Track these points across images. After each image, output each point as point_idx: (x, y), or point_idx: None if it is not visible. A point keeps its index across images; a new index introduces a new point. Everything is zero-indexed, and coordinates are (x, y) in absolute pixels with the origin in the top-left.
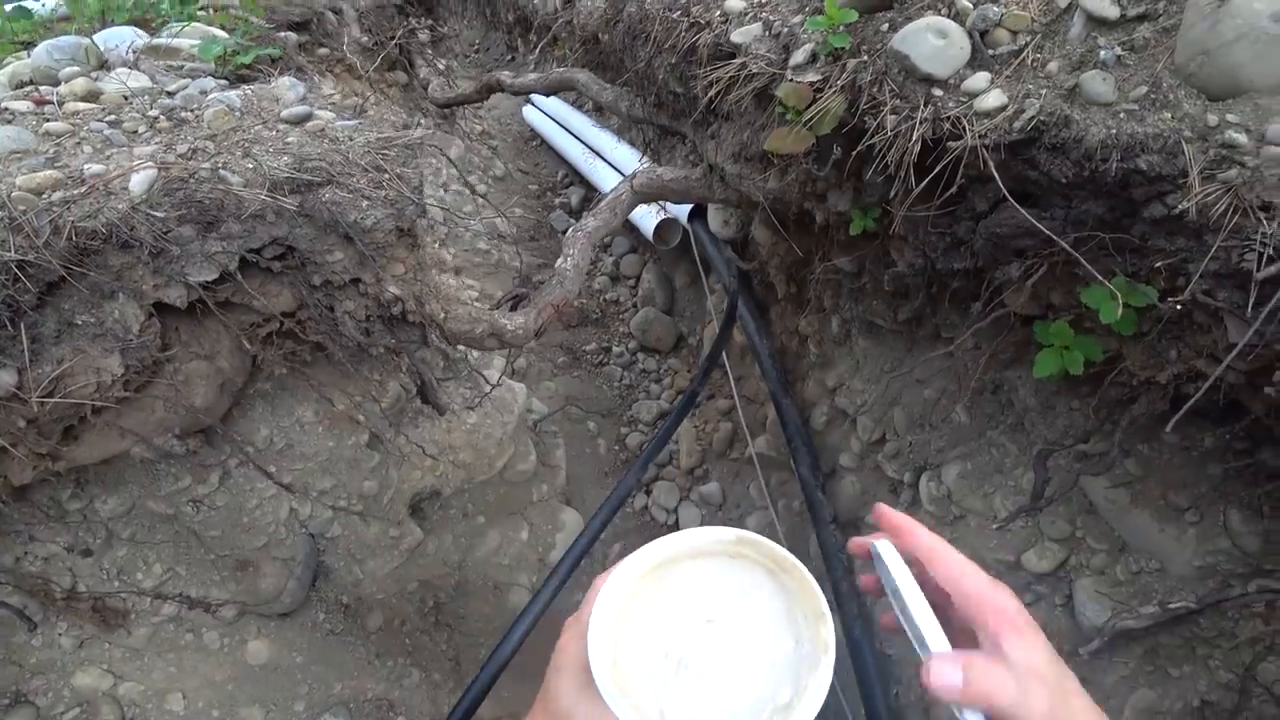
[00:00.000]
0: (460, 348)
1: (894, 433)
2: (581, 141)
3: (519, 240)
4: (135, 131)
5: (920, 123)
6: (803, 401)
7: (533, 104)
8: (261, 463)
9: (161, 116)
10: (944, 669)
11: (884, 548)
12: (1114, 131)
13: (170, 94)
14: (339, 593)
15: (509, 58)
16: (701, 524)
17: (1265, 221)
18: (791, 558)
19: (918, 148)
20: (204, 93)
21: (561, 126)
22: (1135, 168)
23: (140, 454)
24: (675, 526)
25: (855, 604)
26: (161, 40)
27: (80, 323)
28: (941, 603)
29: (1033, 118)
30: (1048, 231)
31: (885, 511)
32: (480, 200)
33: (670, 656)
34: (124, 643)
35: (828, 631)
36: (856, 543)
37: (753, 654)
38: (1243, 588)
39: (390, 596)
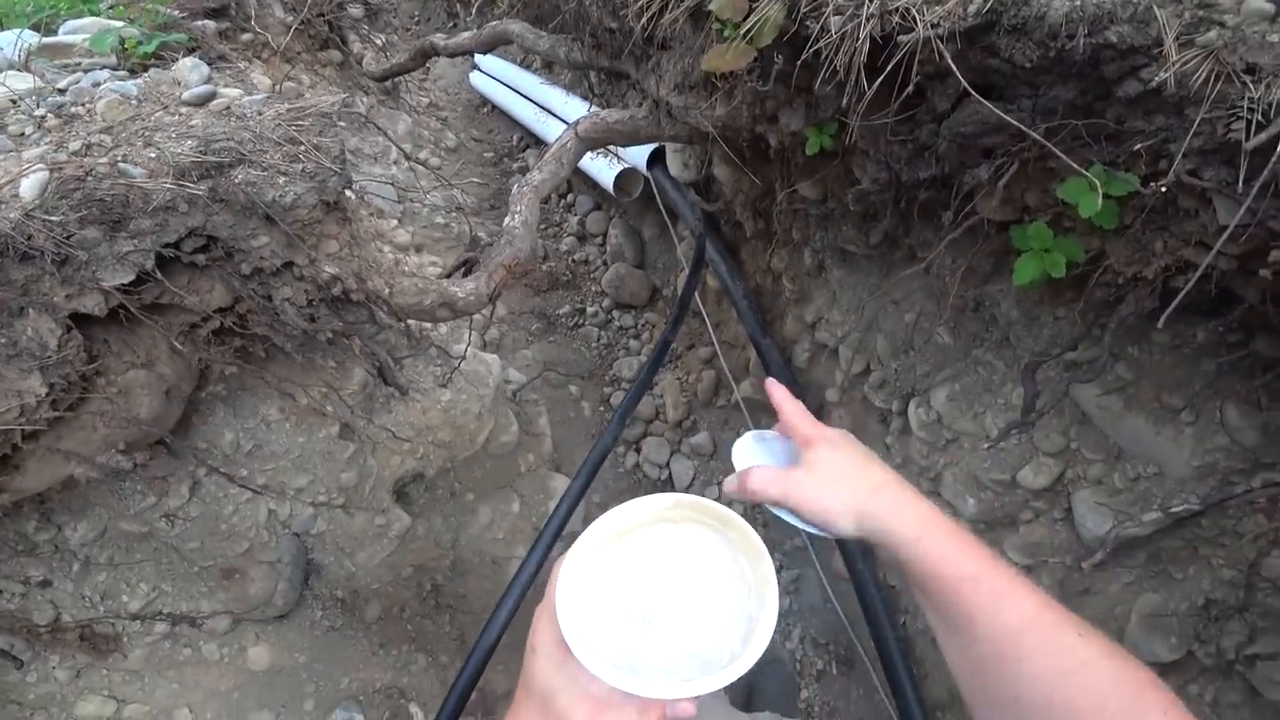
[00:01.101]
0: (424, 325)
1: (878, 362)
2: (532, 101)
3: (478, 210)
4: (22, 134)
5: (867, 20)
6: (783, 340)
7: (480, 69)
8: (230, 468)
9: (49, 115)
10: (729, 481)
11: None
12: (1078, 4)
13: (61, 90)
14: (333, 588)
15: (450, 24)
16: (694, 476)
17: (1251, 85)
18: (728, 511)
19: (867, 47)
20: (96, 85)
21: (511, 89)
22: (1105, 41)
23: (86, 475)
24: (668, 481)
25: (853, 542)
26: (55, 38)
27: None
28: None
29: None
30: (1016, 123)
31: (770, 384)
32: (434, 174)
33: (635, 617)
34: (122, 666)
35: (767, 567)
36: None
37: (708, 602)
38: (1246, 484)
39: (386, 585)
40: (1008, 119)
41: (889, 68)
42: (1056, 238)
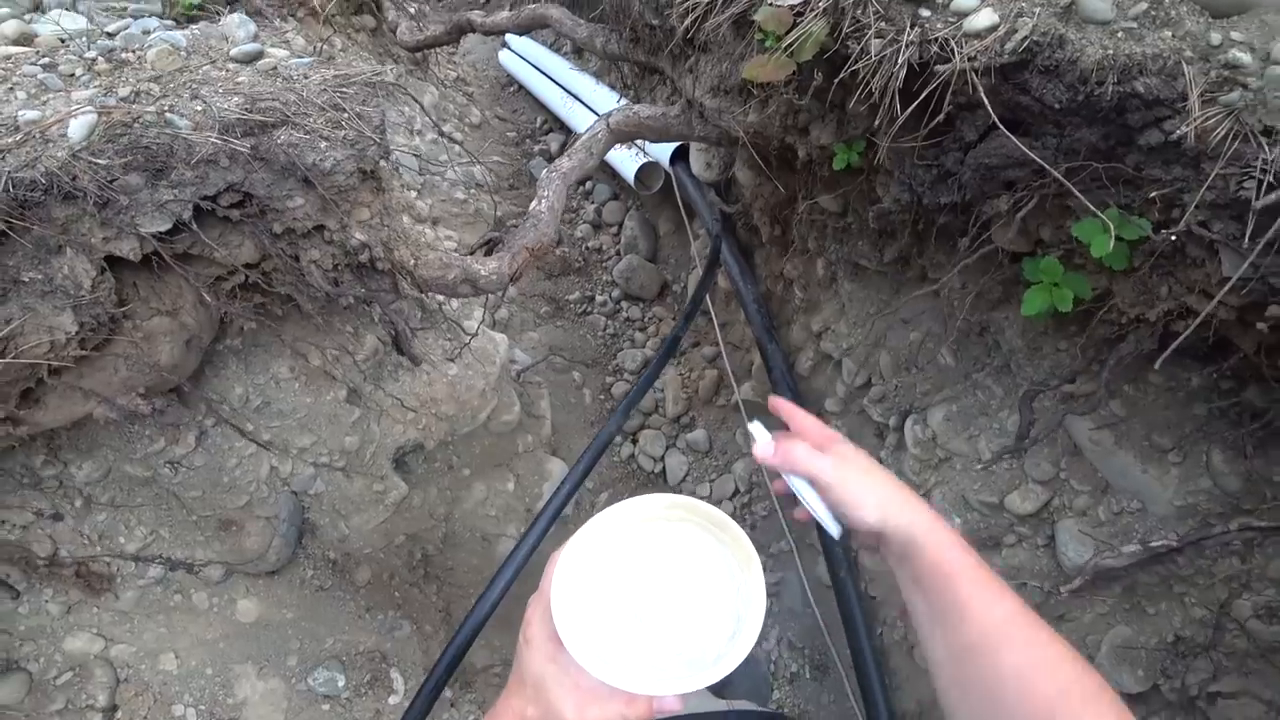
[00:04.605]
0: (438, 298)
1: (879, 376)
2: (560, 85)
3: (497, 189)
4: (72, 74)
5: (906, 46)
6: (788, 346)
7: (509, 48)
8: (238, 421)
9: (100, 58)
10: (761, 445)
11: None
12: (1110, 52)
13: (110, 35)
14: (326, 549)
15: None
16: (688, 472)
17: (1267, 147)
18: (721, 514)
19: (903, 73)
20: (146, 33)
21: (539, 70)
22: (1132, 91)
23: (104, 415)
24: (662, 474)
25: (840, 546)
26: None
27: (27, 280)
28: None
29: (1025, 38)
30: (1039, 160)
31: (775, 400)
32: (456, 149)
33: (628, 613)
34: (112, 606)
35: (756, 571)
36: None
37: (698, 601)
38: (1224, 526)
39: (378, 551)
40: (1032, 155)
41: (923, 95)
42: (1066, 273)
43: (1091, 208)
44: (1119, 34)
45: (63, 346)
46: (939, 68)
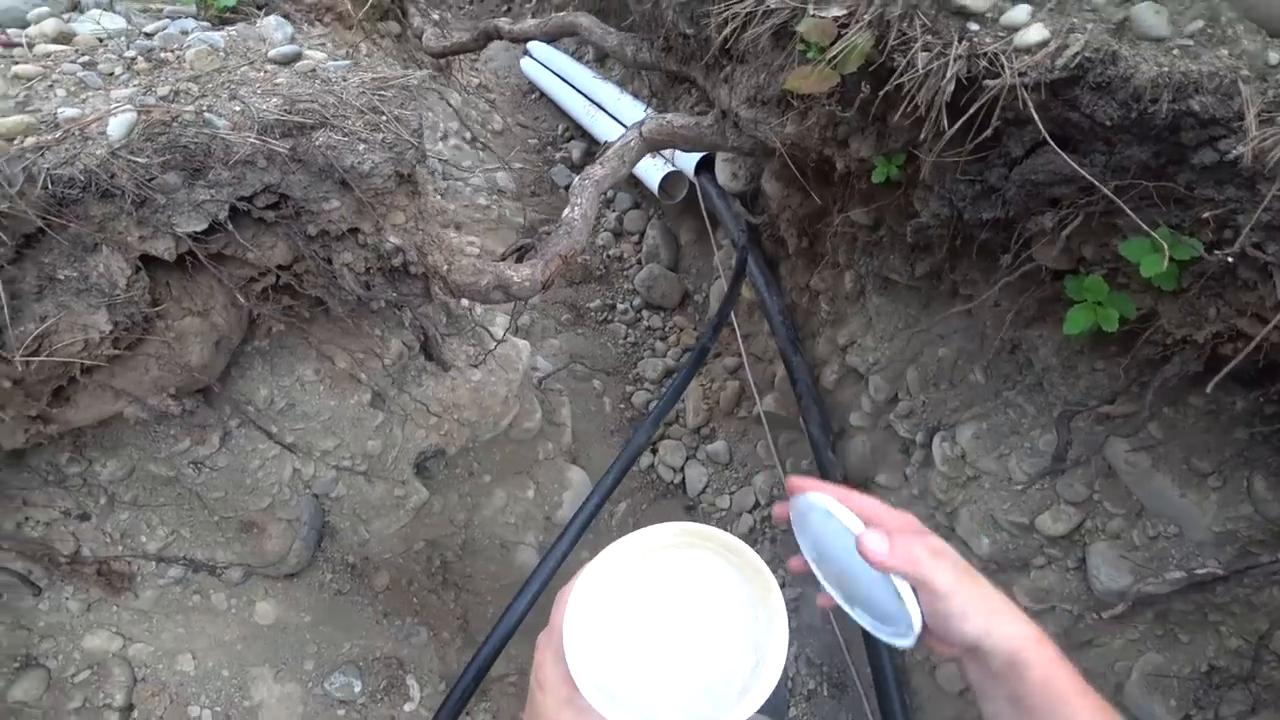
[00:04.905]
0: (464, 303)
1: (907, 392)
2: (582, 94)
3: (520, 195)
4: (112, 73)
5: (954, 60)
6: (813, 359)
7: (531, 56)
8: (263, 423)
9: (139, 58)
10: (874, 538)
11: (812, 497)
12: (1165, 69)
13: (148, 35)
14: (345, 553)
15: (504, 7)
16: (708, 483)
17: None
18: (736, 540)
19: (950, 87)
20: (184, 33)
21: (561, 79)
22: (1187, 109)
23: (135, 415)
24: (682, 485)
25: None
26: None
27: (62, 277)
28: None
29: (1077, 54)
30: (1089, 178)
31: (794, 479)
32: (480, 154)
33: (644, 650)
34: (132, 605)
35: (776, 599)
36: (779, 510)
37: (716, 631)
38: (1271, 555)
39: (397, 556)
40: (1082, 172)
41: (969, 110)
42: (1111, 292)
43: (1145, 226)
44: (1174, 51)
45: (96, 345)
46: (988, 82)
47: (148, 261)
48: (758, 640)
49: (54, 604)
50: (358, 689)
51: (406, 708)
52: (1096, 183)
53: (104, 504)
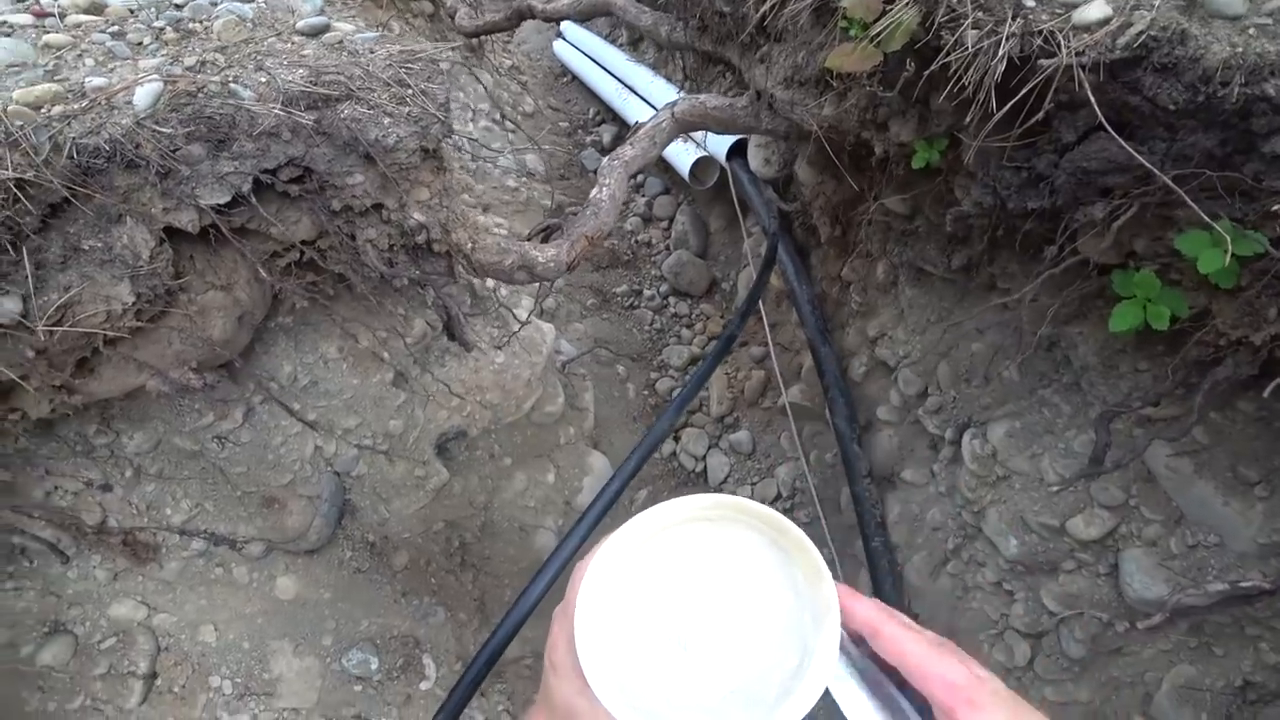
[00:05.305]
0: (489, 284)
1: (937, 387)
2: (615, 77)
3: (549, 178)
4: (140, 43)
5: (1006, 38)
6: (841, 350)
7: (563, 38)
8: (285, 399)
9: (168, 28)
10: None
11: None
12: (1239, 50)
13: (178, 6)
14: (365, 531)
15: None
16: (730, 473)
17: None
18: (780, 516)
19: (1001, 67)
20: (214, 3)
21: (594, 61)
22: (1260, 94)
23: (156, 388)
24: (704, 474)
25: (886, 560)
26: None
27: (87, 248)
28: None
29: (1141, 33)
30: (1148, 165)
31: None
32: (509, 136)
33: (667, 639)
34: (156, 576)
35: (828, 590)
36: None
37: (753, 621)
38: None
39: (416, 536)
40: (1140, 159)
41: (1020, 92)
42: (1162, 289)
43: (1207, 219)
44: (1250, 31)
45: (119, 317)
46: (1042, 62)
47: (171, 234)
48: (803, 635)
49: (82, 572)
50: (374, 666)
51: (423, 686)
52: (1156, 171)
53: (130, 476)
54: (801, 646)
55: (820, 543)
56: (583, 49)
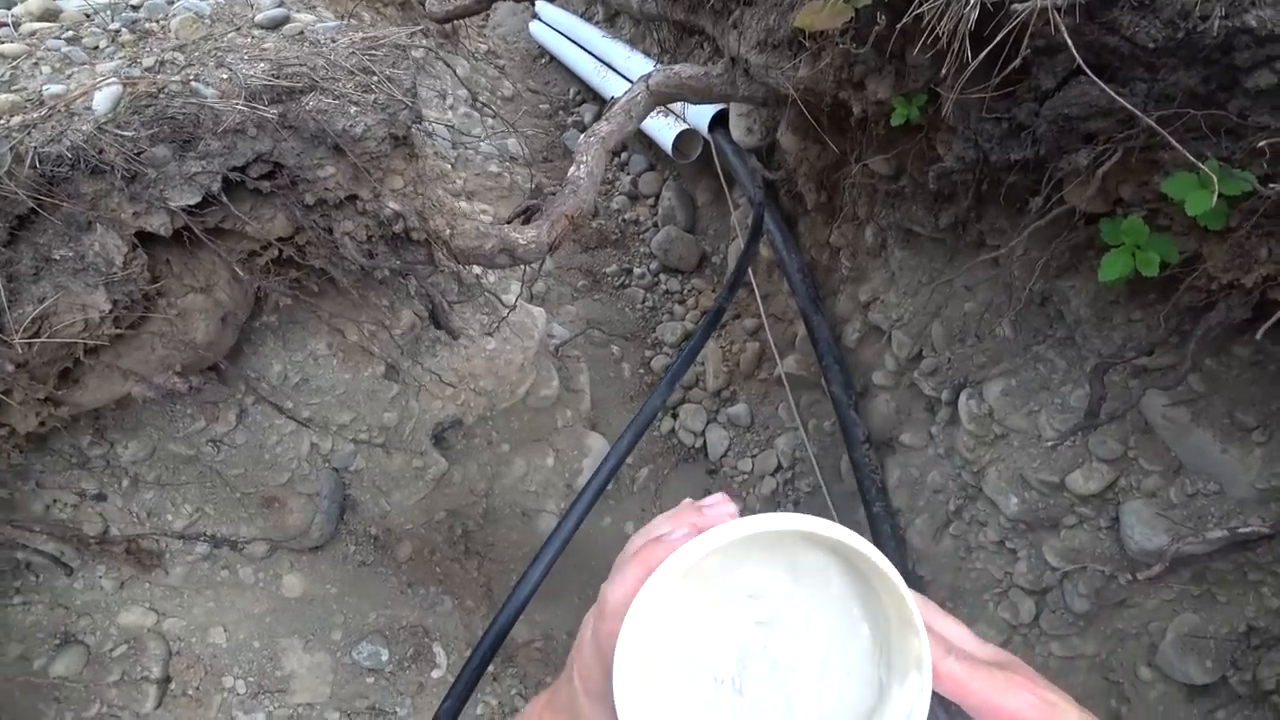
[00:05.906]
0: (475, 271)
1: (931, 348)
2: (592, 55)
3: (531, 161)
4: (96, 47)
5: None
6: (834, 317)
7: (539, 19)
8: (277, 399)
9: (124, 29)
10: None
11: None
12: None
13: (134, 6)
14: (367, 525)
15: None
16: (729, 447)
17: None
18: (865, 543)
19: (975, 14)
20: (170, 1)
21: (571, 40)
22: (1242, 25)
23: (143, 394)
24: (703, 450)
25: (888, 524)
26: None
27: (58, 257)
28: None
29: None
30: (1130, 108)
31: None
32: (489, 122)
33: (719, 679)
34: (163, 582)
35: (921, 645)
36: None
37: (820, 660)
38: None
39: (419, 526)
40: (1122, 102)
41: (996, 38)
42: (1151, 235)
43: (1193, 159)
44: None
45: (97, 325)
46: (1016, 6)
47: (145, 238)
48: (878, 678)
49: (88, 582)
50: (385, 657)
51: (434, 674)
52: (1138, 113)
53: (128, 485)
54: (878, 691)
55: (824, 511)
56: (559, 28)
